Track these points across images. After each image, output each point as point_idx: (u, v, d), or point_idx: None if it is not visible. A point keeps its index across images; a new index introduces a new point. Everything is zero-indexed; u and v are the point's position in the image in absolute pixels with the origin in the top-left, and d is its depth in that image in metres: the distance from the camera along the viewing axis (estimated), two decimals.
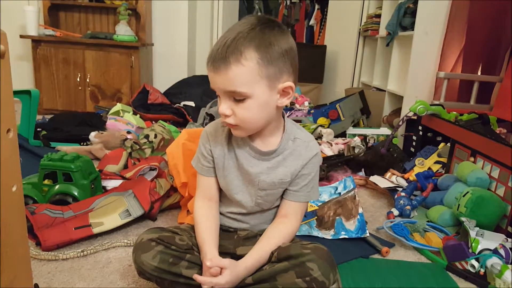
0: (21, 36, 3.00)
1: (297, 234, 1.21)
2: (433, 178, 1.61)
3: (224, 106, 0.80)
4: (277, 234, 0.89)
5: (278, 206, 0.95)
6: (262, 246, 0.86)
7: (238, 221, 0.95)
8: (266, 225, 0.94)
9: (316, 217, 1.29)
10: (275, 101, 0.82)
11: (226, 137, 0.91)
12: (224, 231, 0.95)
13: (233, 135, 0.87)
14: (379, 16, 3.12)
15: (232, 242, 0.93)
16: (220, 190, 0.96)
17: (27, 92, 1.89)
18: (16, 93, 1.88)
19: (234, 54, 0.75)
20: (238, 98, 0.78)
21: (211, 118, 2.39)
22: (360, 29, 3.54)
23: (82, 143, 2.10)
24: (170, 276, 0.82)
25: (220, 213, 0.96)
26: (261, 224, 0.95)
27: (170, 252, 0.83)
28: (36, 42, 3.01)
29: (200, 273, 0.82)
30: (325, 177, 1.76)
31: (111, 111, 2.48)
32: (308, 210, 1.29)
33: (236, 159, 0.90)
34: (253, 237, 0.93)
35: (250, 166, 0.89)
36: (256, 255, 0.84)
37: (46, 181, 1.31)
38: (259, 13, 5.02)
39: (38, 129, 2.17)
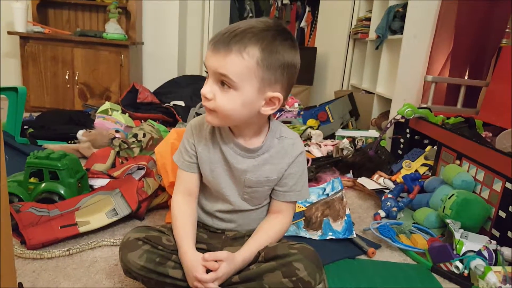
0: (9, 33, 2.95)
1: (284, 234, 1.23)
2: (419, 180, 1.63)
3: (208, 89, 0.78)
4: (272, 227, 0.91)
5: (265, 206, 0.95)
6: (258, 238, 0.87)
7: (226, 221, 0.94)
8: (254, 226, 0.93)
9: (303, 218, 1.30)
10: (259, 106, 0.81)
11: (210, 132, 0.90)
12: (211, 232, 0.95)
13: (207, 121, 0.84)
14: (369, 19, 3.15)
15: (220, 242, 0.93)
16: (206, 188, 0.95)
17: (14, 89, 1.86)
18: (3, 90, 1.86)
19: (238, 44, 0.75)
20: (225, 83, 0.77)
21: None
22: (350, 32, 3.57)
23: (69, 142, 2.08)
24: (156, 276, 0.82)
25: (208, 213, 0.95)
26: (249, 224, 0.95)
27: (157, 251, 0.83)
28: (24, 39, 2.97)
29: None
30: (313, 178, 1.77)
31: (99, 110, 2.45)
32: (296, 211, 1.29)
33: (222, 154, 0.89)
34: (240, 238, 0.93)
35: (236, 163, 0.88)
36: (253, 247, 0.85)
37: (32, 179, 1.30)
38: (250, 14, 5.02)
39: (25, 127, 2.14)
